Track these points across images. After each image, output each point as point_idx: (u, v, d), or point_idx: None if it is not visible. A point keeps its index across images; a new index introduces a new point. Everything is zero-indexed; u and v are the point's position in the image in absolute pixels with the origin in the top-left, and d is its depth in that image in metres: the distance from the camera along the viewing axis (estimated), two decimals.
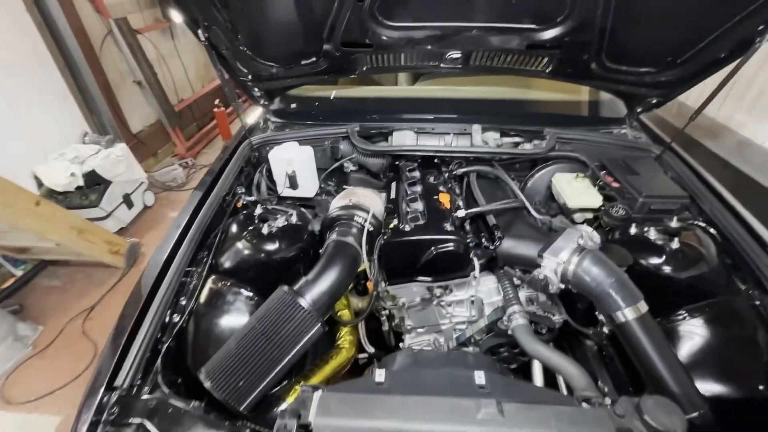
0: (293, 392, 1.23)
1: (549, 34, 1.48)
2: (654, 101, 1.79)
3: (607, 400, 0.95)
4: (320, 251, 1.42)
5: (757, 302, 1.22)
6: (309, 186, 1.86)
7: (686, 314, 1.26)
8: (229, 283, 1.36)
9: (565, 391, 1.21)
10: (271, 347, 1.13)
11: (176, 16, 1.45)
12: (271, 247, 1.41)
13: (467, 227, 1.51)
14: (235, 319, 1.30)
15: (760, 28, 1.26)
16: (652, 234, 1.36)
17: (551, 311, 1.40)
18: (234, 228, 1.48)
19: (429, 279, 1.39)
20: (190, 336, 1.23)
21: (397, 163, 1.85)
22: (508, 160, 1.82)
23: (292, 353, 1.15)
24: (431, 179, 1.66)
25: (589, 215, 1.61)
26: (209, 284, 1.34)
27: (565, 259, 1.20)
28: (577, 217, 1.62)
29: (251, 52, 1.65)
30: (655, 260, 1.30)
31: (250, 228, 1.46)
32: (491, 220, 1.47)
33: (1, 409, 2.37)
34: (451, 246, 1.32)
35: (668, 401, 0.89)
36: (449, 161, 1.80)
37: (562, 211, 1.66)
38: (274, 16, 1.50)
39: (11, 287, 3.12)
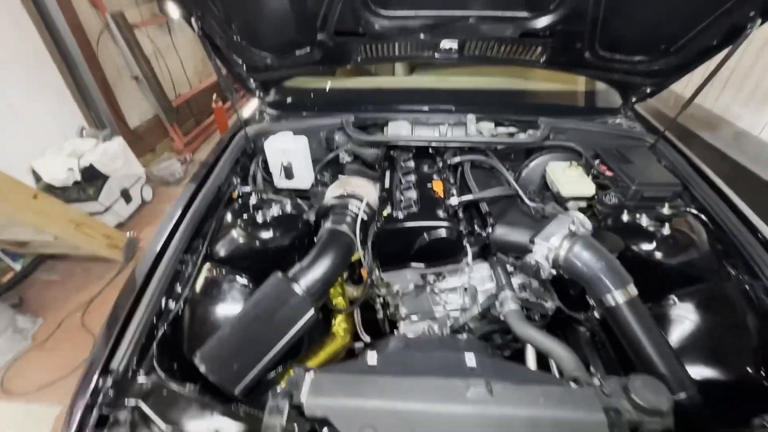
0: (288, 377, 1.24)
1: (542, 22, 1.48)
2: (648, 90, 1.79)
3: (596, 381, 0.96)
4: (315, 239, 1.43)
5: (747, 287, 1.23)
6: (305, 176, 1.86)
7: (677, 299, 1.27)
8: (224, 271, 1.38)
9: (557, 375, 1.23)
10: (265, 332, 1.15)
11: (173, 11, 1.45)
12: (266, 235, 1.42)
13: (460, 215, 1.52)
14: (230, 306, 1.32)
15: (751, 14, 1.26)
16: (644, 221, 1.37)
17: (544, 298, 1.41)
18: (229, 216, 1.49)
19: (422, 265, 1.40)
20: (185, 322, 1.24)
21: (392, 153, 1.86)
22: (502, 149, 1.83)
23: (286, 338, 1.16)
24: (425, 168, 1.67)
25: (583, 203, 1.62)
26: (204, 272, 1.36)
27: (556, 244, 1.21)
28: (571, 205, 1.62)
29: (245, 42, 1.65)
30: (646, 246, 1.32)
31: (245, 216, 1.47)
32: (484, 207, 1.49)
33: (2, 399, 2.39)
34: (443, 232, 1.33)
35: (655, 381, 0.91)
36: (444, 151, 1.81)
37: (556, 199, 1.67)
38: (268, 5, 1.50)
39: (11, 281, 3.14)
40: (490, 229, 1.41)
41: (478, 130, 1.84)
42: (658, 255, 1.30)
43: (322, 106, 2.09)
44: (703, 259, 1.30)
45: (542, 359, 1.23)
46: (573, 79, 2.12)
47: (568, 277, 1.24)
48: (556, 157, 1.79)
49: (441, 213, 1.37)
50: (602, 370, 1.37)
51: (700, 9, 1.34)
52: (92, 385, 0.96)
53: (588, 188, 1.56)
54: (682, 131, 3.50)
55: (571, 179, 1.60)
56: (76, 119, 4.03)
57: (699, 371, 1.12)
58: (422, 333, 1.43)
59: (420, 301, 1.47)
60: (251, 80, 1.91)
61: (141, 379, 1.03)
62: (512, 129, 1.92)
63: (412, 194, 1.49)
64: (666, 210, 1.38)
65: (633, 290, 1.11)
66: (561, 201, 1.63)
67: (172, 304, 1.23)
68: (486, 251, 1.48)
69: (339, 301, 1.61)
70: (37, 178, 3.44)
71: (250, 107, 2.22)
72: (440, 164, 1.73)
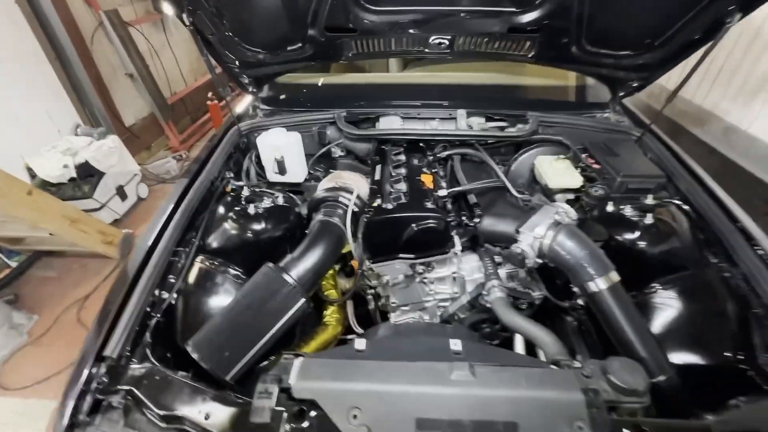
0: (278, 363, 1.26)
1: (528, 17, 1.50)
2: (635, 84, 1.82)
3: (576, 363, 0.99)
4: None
5: (727, 274, 1.26)
6: (297, 171, 1.89)
7: (659, 286, 1.31)
8: (216, 263, 1.40)
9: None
10: (256, 320, 1.17)
11: (167, 8, 1.47)
12: (258, 226, 1.44)
13: (449, 207, 1.54)
14: (222, 296, 1.34)
15: (731, 8, 1.29)
16: (628, 211, 1.40)
17: (531, 287, 1.44)
18: (221, 209, 1.51)
19: (411, 256, 1.43)
20: (178, 312, 1.27)
21: (383, 147, 1.88)
22: (492, 143, 1.86)
23: (277, 326, 1.19)
24: (416, 162, 1.70)
25: (571, 196, 1.65)
26: (197, 263, 1.38)
27: (541, 233, 1.24)
28: (559, 197, 1.65)
29: (237, 38, 1.66)
30: (629, 235, 1.35)
31: (237, 209, 1.49)
32: (472, 198, 1.51)
33: None
34: (431, 223, 1.36)
35: (633, 362, 0.94)
36: (434, 145, 1.84)
37: (544, 192, 1.70)
38: (259, 1, 1.52)
39: (6, 278, 3.14)
40: (477, 220, 1.44)
41: (468, 124, 1.87)
42: (641, 244, 1.33)
43: (315, 102, 2.11)
44: (685, 248, 1.34)
45: (531, 347, 1.27)
46: (564, 74, 2.14)
47: (553, 266, 1.27)
48: (545, 151, 1.82)
49: (429, 204, 1.40)
50: (588, 357, 1.40)
51: (681, 4, 1.36)
52: (86, 372, 0.99)
53: (575, 180, 1.59)
54: (673, 127, 3.54)
55: (558, 172, 1.63)
56: (71, 117, 4.03)
57: (680, 355, 1.15)
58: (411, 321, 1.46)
59: (410, 291, 1.50)
60: (244, 76, 1.92)
61: (134, 366, 1.05)
62: (502, 123, 1.94)
63: (402, 186, 1.52)
64: (649, 200, 1.42)
65: (615, 277, 1.15)
66: (549, 193, 1.66)
67: (165, 295, 1.25)
68: (475, 242, 1.51)
69: (332, 293, 1.63)
70: (32, 175, 3.45)
71: (243, 103, 2.24)
72: (430, 158, 1.75)
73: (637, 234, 1.34)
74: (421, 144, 1.86)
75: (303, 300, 1.23)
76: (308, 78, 2.27)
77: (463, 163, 1.76)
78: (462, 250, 1.47)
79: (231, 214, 1.47)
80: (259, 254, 1.40)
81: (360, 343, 1.03)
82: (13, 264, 3.21)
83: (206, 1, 1.47)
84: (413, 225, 1.36)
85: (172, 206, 1.45)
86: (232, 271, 1.40)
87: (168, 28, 5.37)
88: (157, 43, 5.15)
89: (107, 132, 3.96)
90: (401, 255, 1.43)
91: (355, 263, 1.49)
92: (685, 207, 1.46)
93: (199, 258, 1.39)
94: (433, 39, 1.67)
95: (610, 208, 1.44)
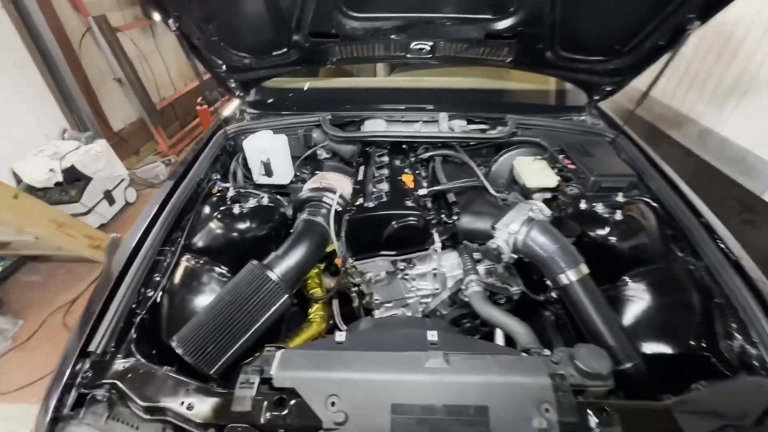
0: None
1: (504, 24, 1.57)
2: (609, 88, 1.90)
3: (546, 351, 1.04)
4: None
5: (692, 267, 1.33)
6: (284, 173, 1.92)
7: (629, 279, 1.37)
8: (202, 261, 1.43)
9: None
10: (240, 316, 1.20)
11: (156, 16, 1.51)
12: (243, 225, 1.47)
13: (429, 205, 1.59)
14: (207, 294, 1.36)
15: (690, 16, 1.37)
16: (600, 208, 1.47)
17: (509, 282, 1.50)
18: (207, 209, 1.54)
19: (393, 253, 1.47)
20: (163, 309, 1.29)
21: (367, 149, 1.93)
22: (474, 145, 1.92)
23: (260, 322, 1.22)
24: (398, 163, 1.75)
25: (548, 195, 1.71)
26: (183, 262, 1.40)
27: (515, 229, 1.30)
28: (536, 197, 1.71)
29: (223, 43, 1.70)
30: (600, 231, 1.41)
31: (222, 208, 1.52)
32: (451, 197, 1.57)
33: None
34: (411, 220, 1.41)
35: (599, 349, 0.99)
36: (417, 147, 1.89)
37: (522, 191, 1.76)
38: (244, 6, 1.56)
39: None
40: (456, 218, 1.49)
41: (450, 127, 1.93)
42: (612, 239, 1.40)
43: (301, 105, 2.15)
44: (653, 243, 1.40)
45: (511, 342, 1.31)
46: (542, 79, 2.21)
47: (527, 261, 1.32)
48: (524, 152, 1.89)
49: (409, 202, 1.45)
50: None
51: (645, 12, 1.45)
52: (70, 367, 1.00)
53: (550, 180, 1.66)
54: (652, 130, 3.65)
55: (535, 172, 1.70)
56: (58, 121, 4.01)
57: (648, 344, 1.21)
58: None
59: (392, 288, 1.54)
60: (231, 80, 1.96)
61: (119, 361, 1.07)
62: (483, 126, 2.01)
63: (384, 186, 1.56)
64: (620, 198, 1.48)
65: (584, 269, 1.20)
66: (527, 193, 1.72)
67: (150, 293, 1.27)
68: (455, 240, 1.56)
69: (317, 292, 1.66)
70: (18, 180, 3.43)
71: (231, 107, 2.27)
72: (412, 159, 1.81)
73: (607, 230, 1.40)
74: (404, 146, 1.91)
75: (286, 296, 1.26)
76: (294, 82, 2.31)
77: (445, 164, 1.82)
78: (442, 248, 1.52)
79: (216, 213, 1.50)
80: (243, 253, 1.43)
81: (340, 336, 1.07)
82: None
83: (192, 6, 1.51)
84: (394, 222, 1.41)
85: (157, 207, 1.48)
86: (218, 270, 1.43)
87: (157, 34, 5.38)
88: (146, 48, 5.16)
89: (95, 136, 3.96)
90: (383, 252, 1.48)
91: (338, 261, 1.52)
92: (654, 204, 1.53)
93: (185, 257, 1.42)
94: (415, 45, 1.73)
95: (583, 205, 1.50)
